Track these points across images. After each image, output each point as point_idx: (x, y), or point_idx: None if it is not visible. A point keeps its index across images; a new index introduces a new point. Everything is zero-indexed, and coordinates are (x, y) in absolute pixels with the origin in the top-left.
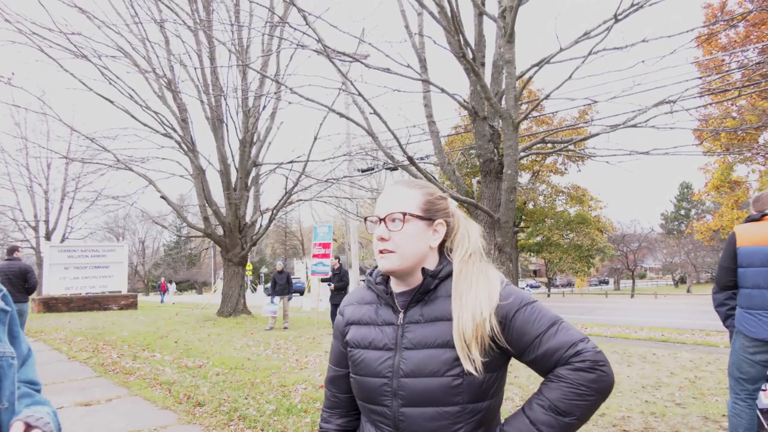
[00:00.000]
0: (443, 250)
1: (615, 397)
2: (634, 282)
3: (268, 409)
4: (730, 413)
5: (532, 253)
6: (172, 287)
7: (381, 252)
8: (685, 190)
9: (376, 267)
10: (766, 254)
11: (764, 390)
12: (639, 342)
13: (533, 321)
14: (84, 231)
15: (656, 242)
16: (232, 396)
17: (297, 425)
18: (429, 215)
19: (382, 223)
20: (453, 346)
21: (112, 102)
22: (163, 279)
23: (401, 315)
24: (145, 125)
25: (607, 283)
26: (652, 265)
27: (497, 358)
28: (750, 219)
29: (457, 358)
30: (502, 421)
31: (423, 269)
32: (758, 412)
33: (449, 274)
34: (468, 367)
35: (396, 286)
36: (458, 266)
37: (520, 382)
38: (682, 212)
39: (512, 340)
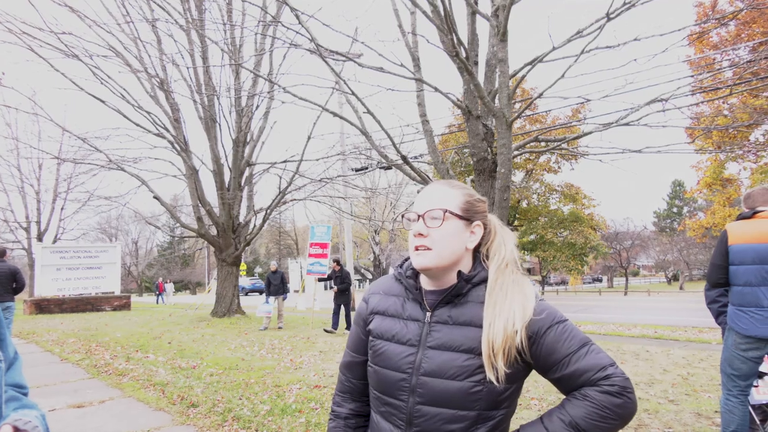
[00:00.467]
0: (477, 255)
1: None
2: (627, 279)
3: (263, 409)
4: (723, 409)
5: (525, 252)
6: (170, 287)
7: (417, 248)
8: (678, 187)
9: (407, 259)
10: (758, 252)
11: (756, 386)
12: (632, 339)
13: (564, 340)
14: (76, 232)
15: (649, 240)
16: (227, 396)
17: (291, 425)
18: (468, 215)
19: (421, 219)
20: (478, 354)
21: (103, 102)
22: (160, 279)
23: (428, 314)
24: (137, 125)
25: (600, 280)
26: (645, 263)
27: (520, 371)
28: (741, 217)
29: (480, 366)
30: (511, 428)
31: (459, 272)
32: (750, 408)
33: (483, 281)
34: (491, 376)
35: (425, 284)
36: (494, 274)
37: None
38: (675, 210)
39: (540, 356)
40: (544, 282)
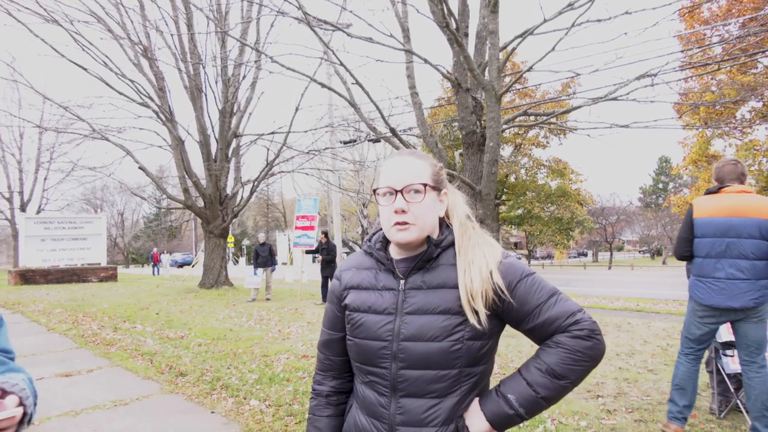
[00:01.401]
0: (441, 219)
1: None
2: (611, 254)
3: (251, 378)
4: (676, 365)
5: (513, 226)
6: (167, 258)
7: (399, 224)
8: (664, 164)
9: (376, 233)
10: (718, 225)
11: (732, 356)
12: (615, 312)
13: (534, 291)
14: (60, 202)
15: (634, 215)
16: (215, 366)
17: (279, 393)
18: (438, 185)
19: (400, 195)
20: (454, 313)
21: (85, 69)
22: (155, 249)
23: (402, 281)
24: (121, 94)
25: (585, 255)
26: (629, 238)
27: (495, 326)
28: (708, 192)
29: (458, 325)
30: (491, 385)
31: (428, 237)
32: (725, 376)
33: (451, 244)
34: (472, 320)
35: (395, 254)
36: (459, 230)
37: (499, 351)
38: (660, 186)
39: (512, 309)
40: (530, 256)
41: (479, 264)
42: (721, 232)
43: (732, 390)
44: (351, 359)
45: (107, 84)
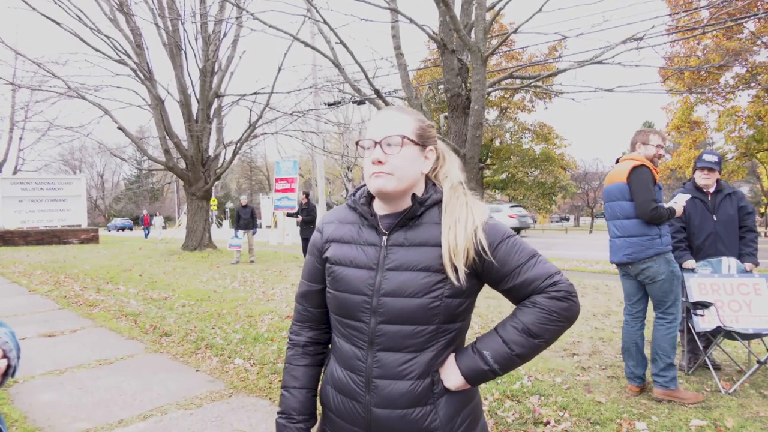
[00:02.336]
0: (428, 179)
1: None
2: (593, 219)
3: (235, 338)
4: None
5: (496, 190)
6: (159, 220)
7: (377, 174)
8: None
9: (360, 188)
10: (605, 192)
11: (702, 316)
12: (593, 275)
13: (515, 252)
14: (37, 163)
15: None
16: (199, 326)
17: (263, 352)
18: (422, 141)
19: (378, 146)
20: (434, 271)
21: (58, 24)
22: (145, 212)
23: (385, 237)
24: (96, 50)
25: (567, 219)
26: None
27: (474, 285)
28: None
29: (438, 282)
30: (466, 344)
31: (413, 195)
32: (695, 335)
33: (435, 203)
34: (452, 276)
35: (379, 209)
36: (449, 192)
37: (480, 312)
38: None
39: (493, 269)
40: None
41: (465, 222)
42: (607, 197)
43: (701, 348)
44: (330, 312)
45: (82, 40)
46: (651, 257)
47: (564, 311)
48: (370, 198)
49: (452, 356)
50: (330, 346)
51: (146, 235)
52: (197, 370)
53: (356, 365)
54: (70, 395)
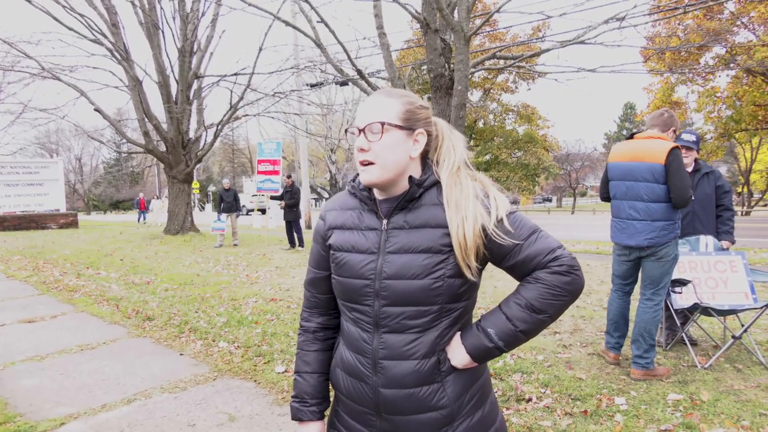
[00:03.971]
0: (426, 160)
1: None
2: (575, 199)
3: (219, 321)
4: (608, 301)
5: (480, 172)
6: (158, 204)
7: (362, 163)
8: (629, 110)
9: (359, 174)
10: (621, 169)
11: (680, 293)
12: (576, 254)
13: (516, 229)
14: (12, 146)
15: (598, 161)
16: (182, 310)
17: (248, 335)
18: (409, 125)
19: (362, 133)
20: (435, 252)
21: (29, 1)
22: (141, 194)
23: (385, 221)
24: (70, 29)
25: (550, 200)
26: (593, 184)
27: (477, 266)
28: (626, 137)
29: (438, 263)
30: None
31: (410, 177)
32: (672, 312)
33: (433, 184)
34: (467, 274)
35: (378, 194)
36: (448, 180)
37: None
38: (625, 132)
39: (494, 246)
40: None
41: (473, 219)
42: (623, 175)
43: (678, 324)
44: (336, 297)
45: (55, 18)
46: (671, 241)
47: (567, 285)
48: None
49: (457, 335)
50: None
51: (142, 220)
52: (181, 354)
53: (363, 347)
54: (52, 380)
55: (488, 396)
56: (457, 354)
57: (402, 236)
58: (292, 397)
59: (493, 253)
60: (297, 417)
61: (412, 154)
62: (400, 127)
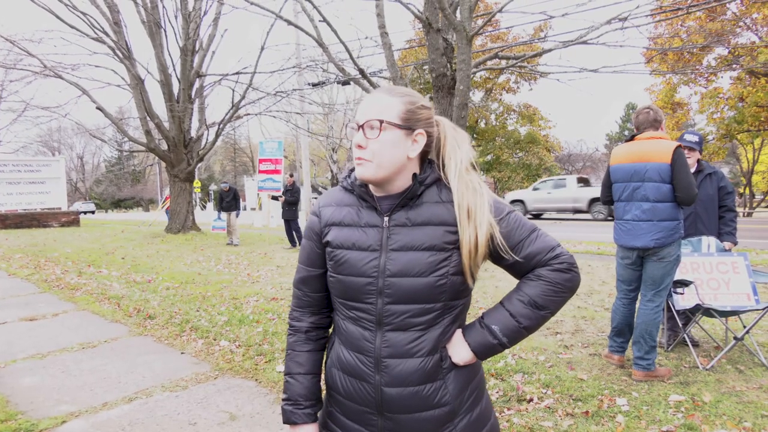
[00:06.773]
0: (426, 160)
1: None
2: None
3: (220, 320)
4: (613, 308)
5: (481, 172)
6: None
7: (358, 159)
8: (631, 111)
9: (353, 170)
10: (626, 171)
11: (682, 294)
12: (577, 255)
13: (516, 228)
14: (14, 144)
15: (599, 162)
16: (184, 309)
17: (249, 334)
18: (408, 125)
19: (361, 130)
20: (438, 249)
21: None
22: (168, 192)
23: (386, 218)
24: (72, 27)
25: None
26: (594, 184)
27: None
28: (626, 140)
29: (442, 261)
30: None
31: (414, 175)
32: (674, 312)
33: (434, 181)
34: (469, 281)
35: (375, 191)
36: (457, 183)
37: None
38: (626, 133)
39: (497, 246)
40: None
41: (486, 229)
42: (628, 176)
43: (680, 325)
44: (333, 295)
45: (57, 17)
46: (676, 241)
47: (567, 282)
48: None
49: (459, 332)
50: (332, 329)
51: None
52: (182, 353)
53: (364, 346)
54: (53, 378)
55: (484, 393)
56: (461, 351)
57: (404, 234)
58: (284, 399)
59: (494, 252)
60: (290, 420)
61: (410, 154)
62: (399, 127)
